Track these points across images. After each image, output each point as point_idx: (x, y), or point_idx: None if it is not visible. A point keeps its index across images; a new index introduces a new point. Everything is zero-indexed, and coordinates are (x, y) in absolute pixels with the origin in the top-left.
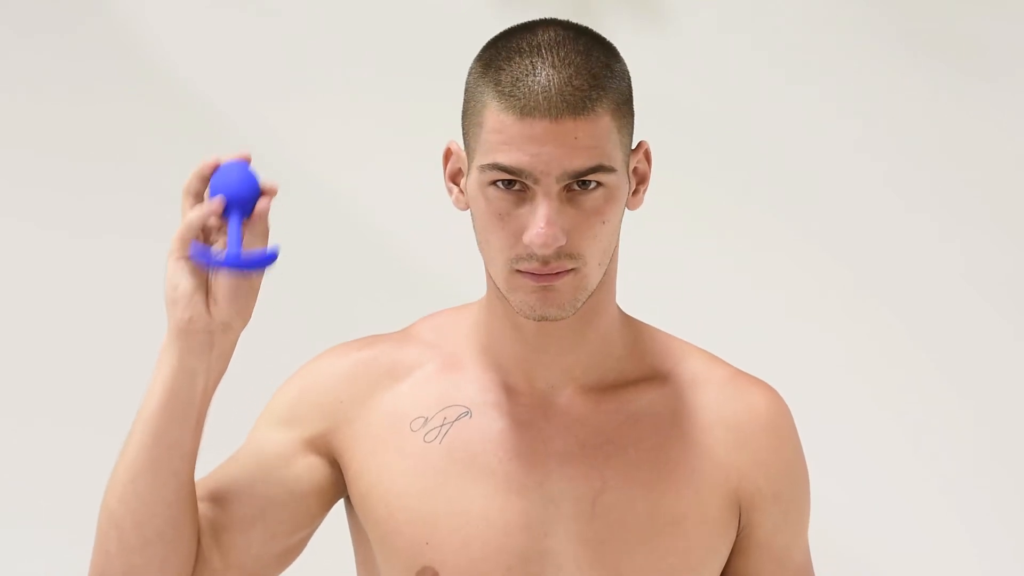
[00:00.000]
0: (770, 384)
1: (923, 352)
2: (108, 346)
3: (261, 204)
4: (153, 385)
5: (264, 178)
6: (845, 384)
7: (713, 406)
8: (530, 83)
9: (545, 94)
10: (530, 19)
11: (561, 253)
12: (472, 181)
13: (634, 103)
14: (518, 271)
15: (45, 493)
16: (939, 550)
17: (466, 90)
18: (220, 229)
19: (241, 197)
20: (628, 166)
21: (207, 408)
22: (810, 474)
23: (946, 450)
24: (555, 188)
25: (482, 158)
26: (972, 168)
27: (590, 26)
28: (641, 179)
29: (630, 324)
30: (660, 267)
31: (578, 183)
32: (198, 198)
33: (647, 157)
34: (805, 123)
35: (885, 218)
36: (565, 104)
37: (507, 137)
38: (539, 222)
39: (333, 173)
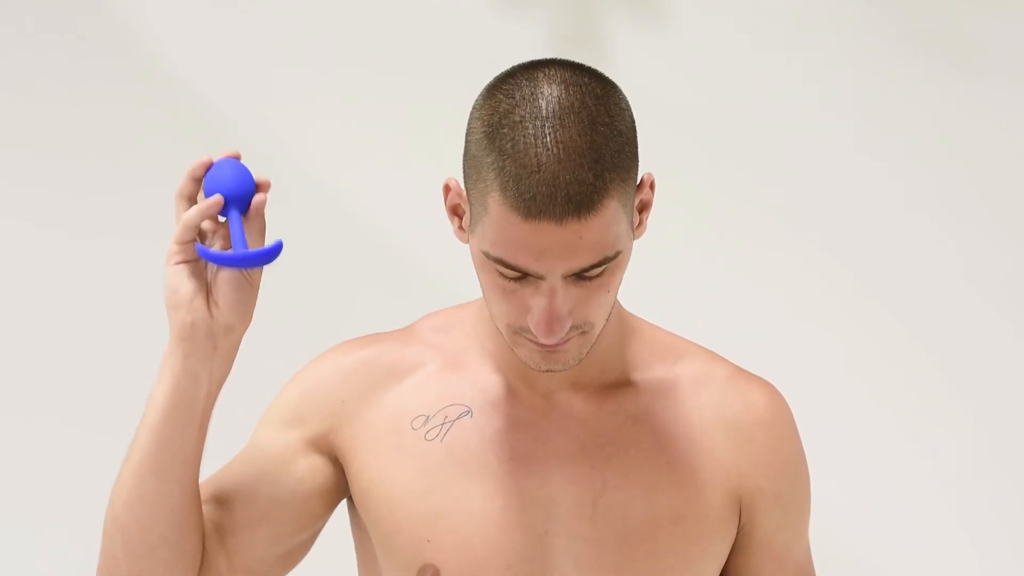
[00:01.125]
0: (771, 383)
1: (923, 352)
2: (109, 346)
3: (257, 199)
4: (156, 390)
5: (257, 173)
6: (845, 384)
7: (713, 405)
8: (535, 181)
9: (551, 197)
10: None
11: (568, 328)
12: (474, 246)
13: (635, 122)
14: (521, 336)
15: (45, 493)
16: (939, 550)
17: (468, 144)
18: (216, 232)
19: (237, 193)
20: (632, 213)
21: (211, 412)
22: (810, 473)
23: (946, 450)
24: (559, 282)
25: (487, 245)
26: (972, 168)
27: (590, 26)
28: (645, 207)
29: (631, 323)
30: (660, 267)
31: (584, 275)
32: (191, 201)
33: (652, 187)
34: (805, 123)
35: (885, 218)
36: (571, 205)
37: (511, 237)
38: (542, 315)
39: (333, 173)
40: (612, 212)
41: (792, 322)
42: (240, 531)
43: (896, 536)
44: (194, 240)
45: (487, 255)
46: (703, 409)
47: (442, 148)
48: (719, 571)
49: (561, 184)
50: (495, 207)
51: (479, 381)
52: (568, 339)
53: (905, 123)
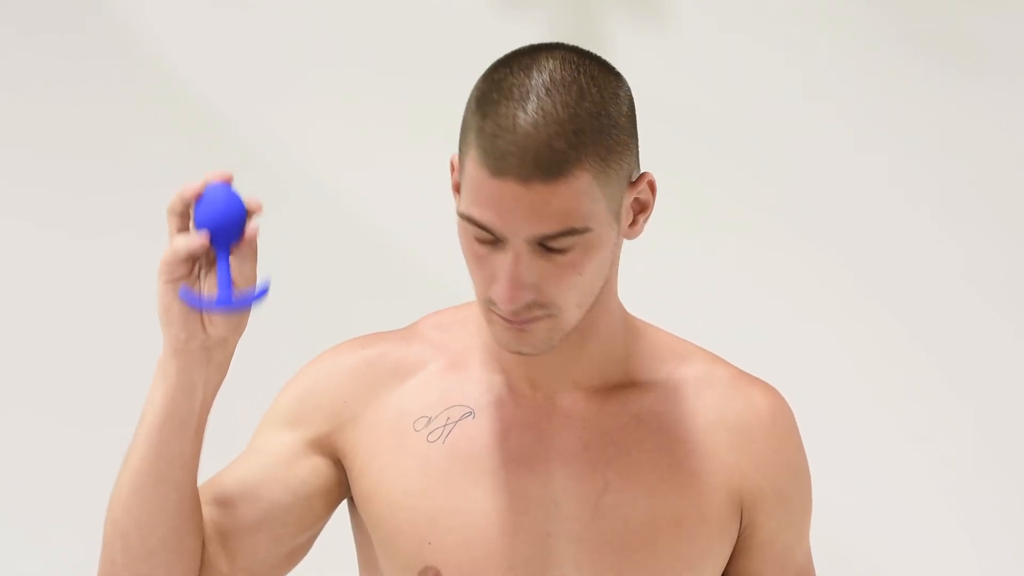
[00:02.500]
0: (773, 385)
1: (923, 352)
2: (109, 346)
3: (250, 229)
4: (151, 399)
5: (248, 197)
6: (845, 383)
7: (715, 407)
8: (507, 141)
9: (520, 156)
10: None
11: (532, 304)
12: (457, 211)
13: (637, 126)
14: (492, 310)
15: (45, 493)
16: (939, 550)
17: (464, 111)
18: (208, 255)
19: (227, 225)
20: (621, 202)
21: (206, 418)
22: (811, 474)
23: (946, 450)
24: (524, 247)
25: (461, 203)
26: (972, 168)
27: (590, 26)
28: (642, 208)
29: (633, 325)
30: (660, 267)
31: (548, 244)
32: (183, 218)
33: (651, 188)
34: (805, 123)
35: (885, 218)
36: (538, 168)
37: (481, 194)
38: (503, 281)
39: (333, 173)
40: (584, 186)
41: (792, 322)
42: (241, 532)
43: (896, 536)
44: (183, 262)
45: (462, 216)
46: (706, 411)
47: (442, 148)
48: (720, 573)
49: (532, 146)
50: (471, 166)
51: (482, 381)
52: (534, 319)
53: (905, 123)
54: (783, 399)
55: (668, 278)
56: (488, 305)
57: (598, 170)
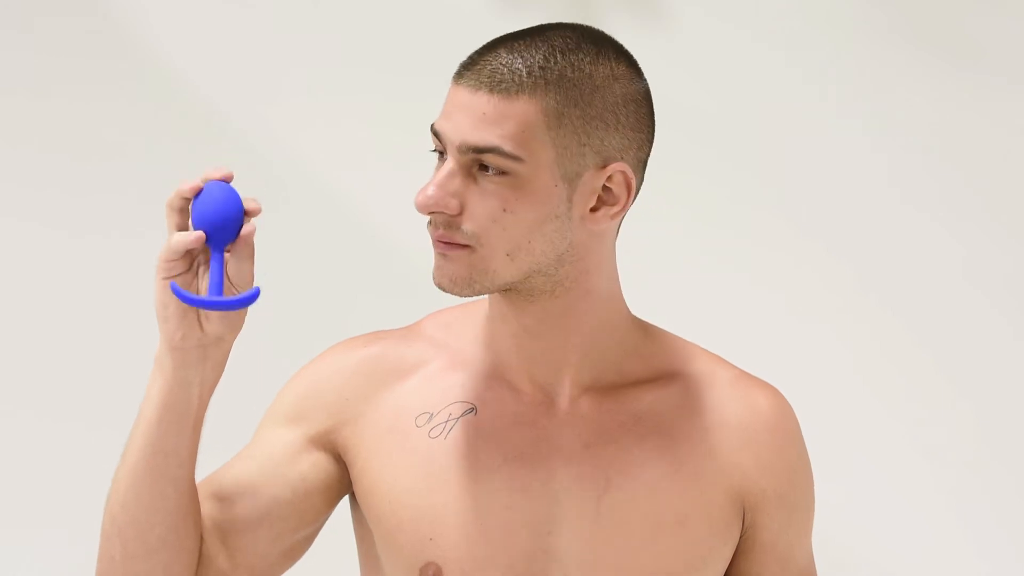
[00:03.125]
0: (775, 386)
1: (923, 351)
2: (109, 345)
3: (247, 229)
4: (148, 397)
5: (248, 198)
6: (846, 383)
7: (718, 407)
8: (477, 54)
9: (479, 65)
10: (533, 19)
11: (452, 224)
12: None
13: (633, 127)
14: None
15: (45, 493)
16: (939, 549)
17: None
18: (205, 251)
19: (224, 223)
20: (578, 177)
21: (203, 415)
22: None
23: (946, 449)
24: (459, 158)
25: None
26: (972, 167)
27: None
28: (612, 202)
29: (637, 325)
30: (660, 266)
31: (481, 165)
32: (182, 214)
33: (626, 184)
34: (805, 122)
35: (886, 217)
36: (490, 79)
37: (444, 102)
38: (428, 182)
39: (332, 173)
40: (530, 119)
41: (792, 321)
42: (242, 529)
43: (896, 536)
44: (181, 259)
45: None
46: (708, 411)
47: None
48: (722, 572)
49: (491, 61)
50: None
51: (483, 379)
52: (455, 244)
53: (905, 122)
54: (785, 400)
55: (668, 277)
56: (428, 227)
57: (551, 115)
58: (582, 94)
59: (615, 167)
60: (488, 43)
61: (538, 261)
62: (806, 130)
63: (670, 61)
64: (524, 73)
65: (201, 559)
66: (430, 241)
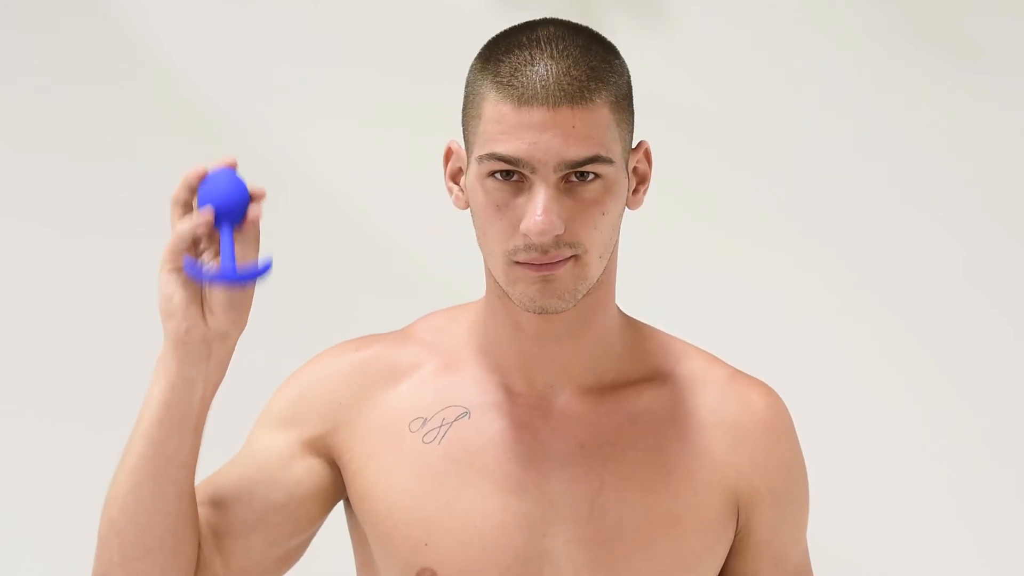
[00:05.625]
0: (769, 384)
1: (923, 351)
2: (109, 345)
3: (252, 211)
4: (150, 396)
5: (252, 183)
6: (845, 384)
7: (711, 406)
8: (528, 73)
9: (543, 82)
10: (533, 19)
11: (560, 242)
12: (471, 174)
13: (634, 103)
14: (517, 263)
15: (45, 493)
16: (939, 549)
17: (466, 86)
18: (211, 237)
19: (231, 206)
20: (627, 163)
21: (205, 416)
22: (809, 473)
23: (946, 449)
24: (553, 178)
25: (480, 149)
26: (973, 167)
27: (590, 26)
28: (641, 179)
29: (630, 324)
30: (660, 266)
31: (576, 174)
32: (186, 208)
33: (647, 157)
34: (805, 122)
35: (886, 217)
36: (563, 93)
37: (505, 127)
38: (536, 210)
39: (333, 172)
40: (605, 117)
41: (792, 321)
42: (236, 534)
43: (896, 535)
44: (186, 249)
45: (485, 157)
46: (702, 410)
47: (442, 148)
48: (717, 572)
49: (554, 74)
50: (490, 109)
51: (477, 382)
52: (561, 260)
53: (905, 122)
54: (779, 398)
55: (668, 277)
56: (511, 257)
57: (614, 108)
58: (618, 80)
59: (640, 145)
60: (513, 62)
61: (609, 259)
62: (806, 130)
63: (670, 61)
64: (586, 78)
65: (197, 563)
66: (506, 270)
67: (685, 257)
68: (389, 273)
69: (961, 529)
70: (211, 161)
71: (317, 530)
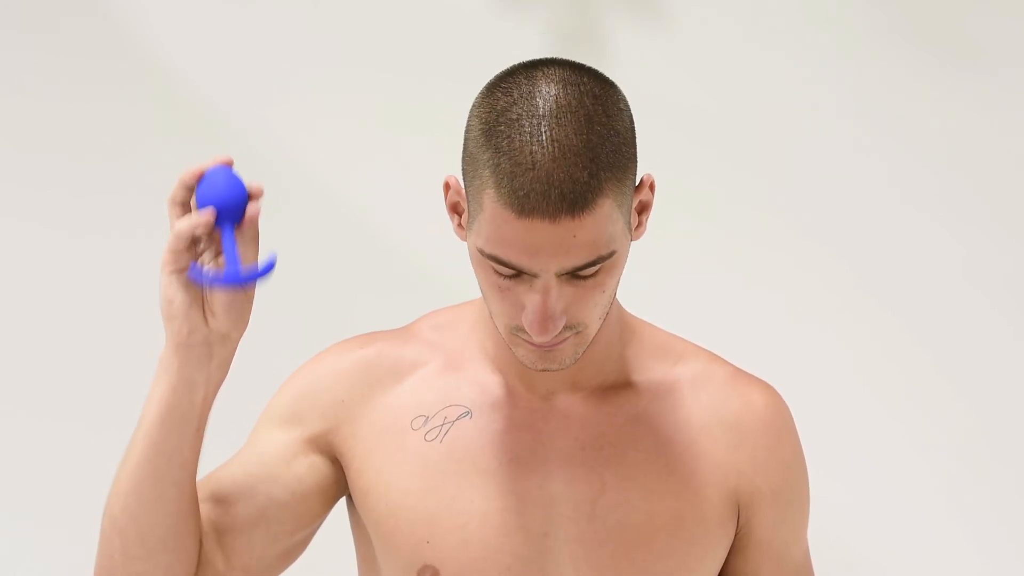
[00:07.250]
0: (770, 383)
1: (923, 351)
2: (110, 345)
3: (251, 209)
4: (152, 397)
5: (250, 181)
6: (845, 383)
7: (712, 405)
8: (529, 179)
9: (545, 194)
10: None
11: (562, 328)
12: (471, 244)
13: (634, 122)
14: (518, 336)
15: (45, 493)
16: (939, 548)
17: (466, 142)
18: (210, 237)
19: (230, 205)
20: (630, 214)
21: (207, 417)
22: (810, 473)
23: (946, 449)
24: (552, 280)
25: (482, 242)
26: (973, 168)
27: (590, 26)
28: (644, 208)
29: (630, 324)
30: (660, 267)
31: (577, 273)
32: (184, 207)
33: (651, 189)
34: (805, 122)
35: (886, 217)
36: (564, 203)
37: (505, 235)
38: (535, 314)
39: (333, 172)
40: (607, 211)
41: (792, 321)
42: (238, 530)
43: (896, 535)
44: (186, 249)
45: (482, 252)
46: (702, 410)
47: (442, 148)
48: (717, 572)
49: (555, 182)
50: (490, 204)
51: (479, 381)
52: (563, 339)
53: (906, 122)
54: (780, 397)
55: (668, 277)
56: (514, 332)
57: (616, 191)
58: (620, 152)
59: (645, 179)
60: (513, 156)
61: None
62: (806, 130)
63: (670, 61)
64: (587, 177)
65: (199, 560)
66: (508, 336)
67: (685, 257)
68: (389, 273)
69: (961, 529)
70: (208, 160)
71: (319, 527)
